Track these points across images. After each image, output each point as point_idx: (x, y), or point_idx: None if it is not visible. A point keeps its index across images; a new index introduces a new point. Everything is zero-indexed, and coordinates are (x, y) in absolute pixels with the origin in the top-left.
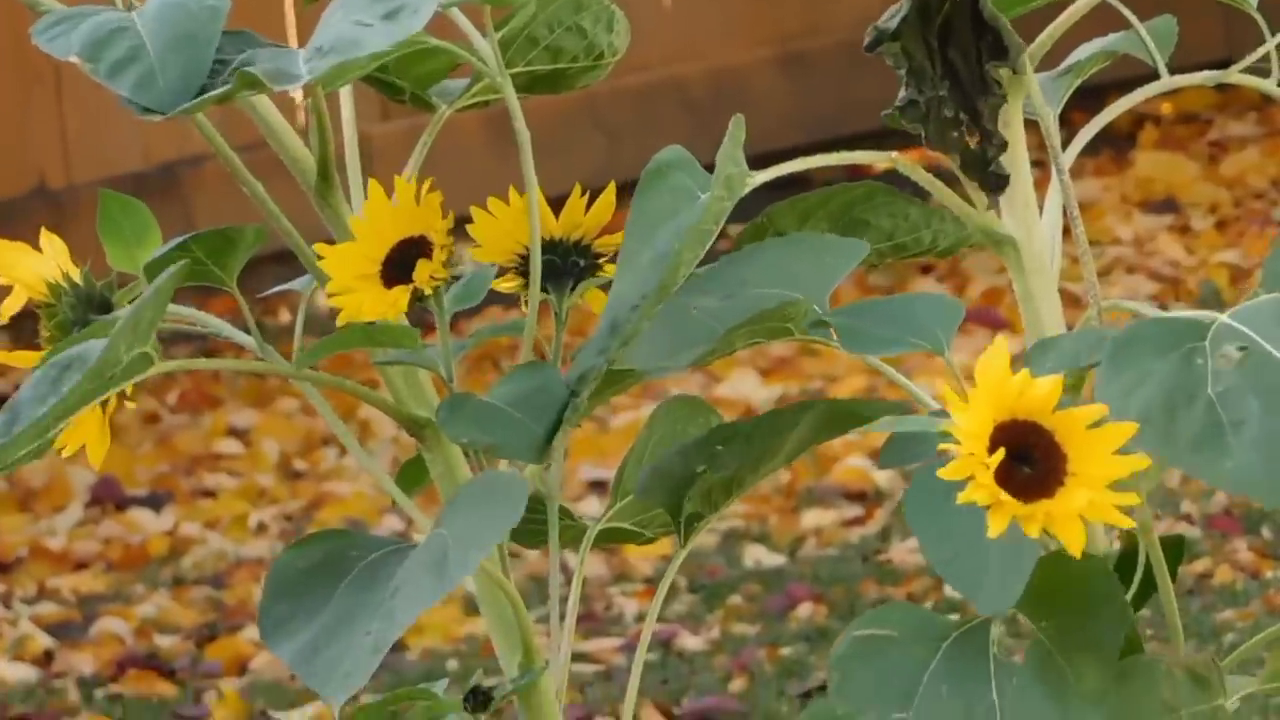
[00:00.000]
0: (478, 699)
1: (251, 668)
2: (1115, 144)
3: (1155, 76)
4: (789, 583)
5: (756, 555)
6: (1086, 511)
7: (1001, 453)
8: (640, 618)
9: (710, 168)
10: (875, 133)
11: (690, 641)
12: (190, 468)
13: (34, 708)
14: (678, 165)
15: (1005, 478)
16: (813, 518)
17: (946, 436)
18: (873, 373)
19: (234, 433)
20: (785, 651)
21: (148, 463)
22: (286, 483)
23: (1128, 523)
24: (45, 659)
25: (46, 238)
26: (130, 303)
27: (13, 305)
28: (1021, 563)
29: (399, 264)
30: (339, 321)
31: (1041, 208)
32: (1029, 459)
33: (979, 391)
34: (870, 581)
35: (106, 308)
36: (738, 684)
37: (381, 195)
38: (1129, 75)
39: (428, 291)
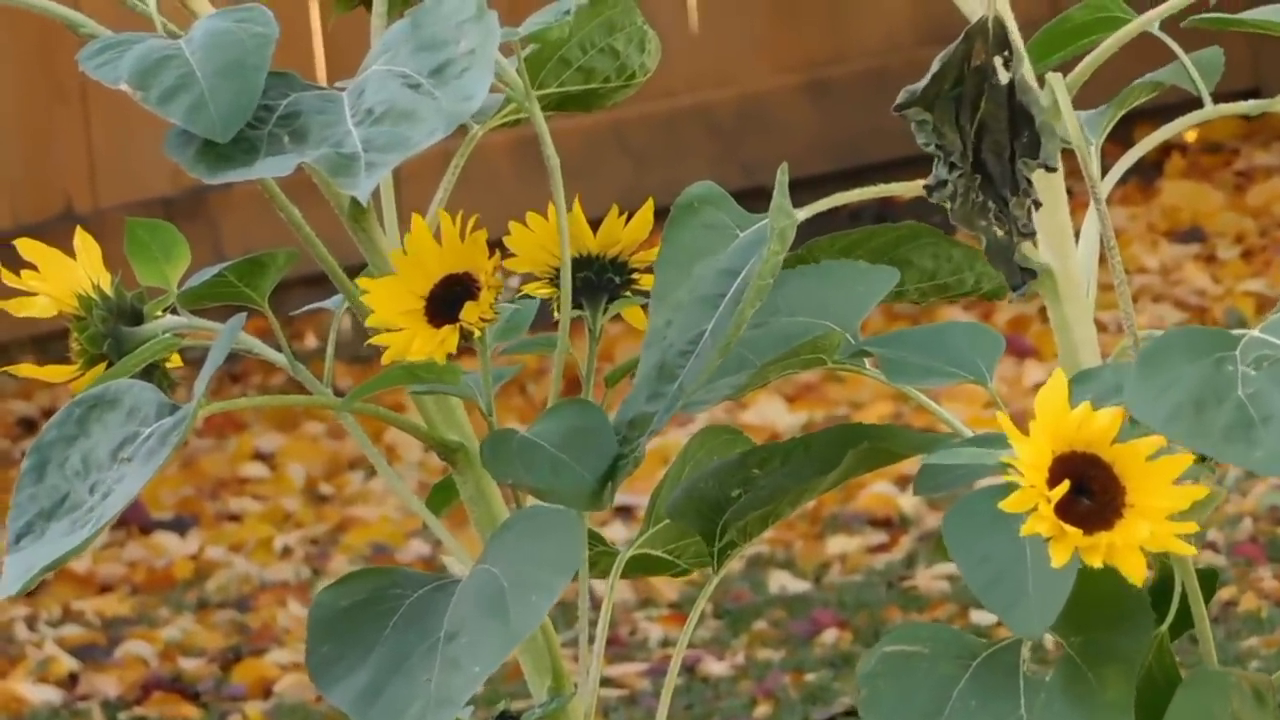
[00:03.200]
0: None
1: (276, 691)
2: (1142, 173)
3: (1183, 104)
4: (814, 608)
5: (782, 581)
6: (1149, 542)
7: (1065, 485)
8: (665, 643)
9: (738, 195)
10: (902, 160)
11: (715, 667)
12: (215, 491)
13: None
14: (709, 200)
15: (1065, 509)
16: (838, 544)
17: (988, 466)
18: (899, 399)
19: (259, 456)
20: (810, 677)
21: (173, 486)
22: (312, 506)
23: (1189, 550)
24: (70, 681)
25: (81, 239)
26: (161, 314)
27: (43, 312)
28: (1058, 586)
29: (443, 300)
30: (384, 360)
31: (1075, 236)
32: (1087, 490)
33: (1039, 424)
34: (895, 608)
35: (138, 319)
36: (762, 709)
37: (425, 229)
38: (1157, 104)
39: (477, 334)
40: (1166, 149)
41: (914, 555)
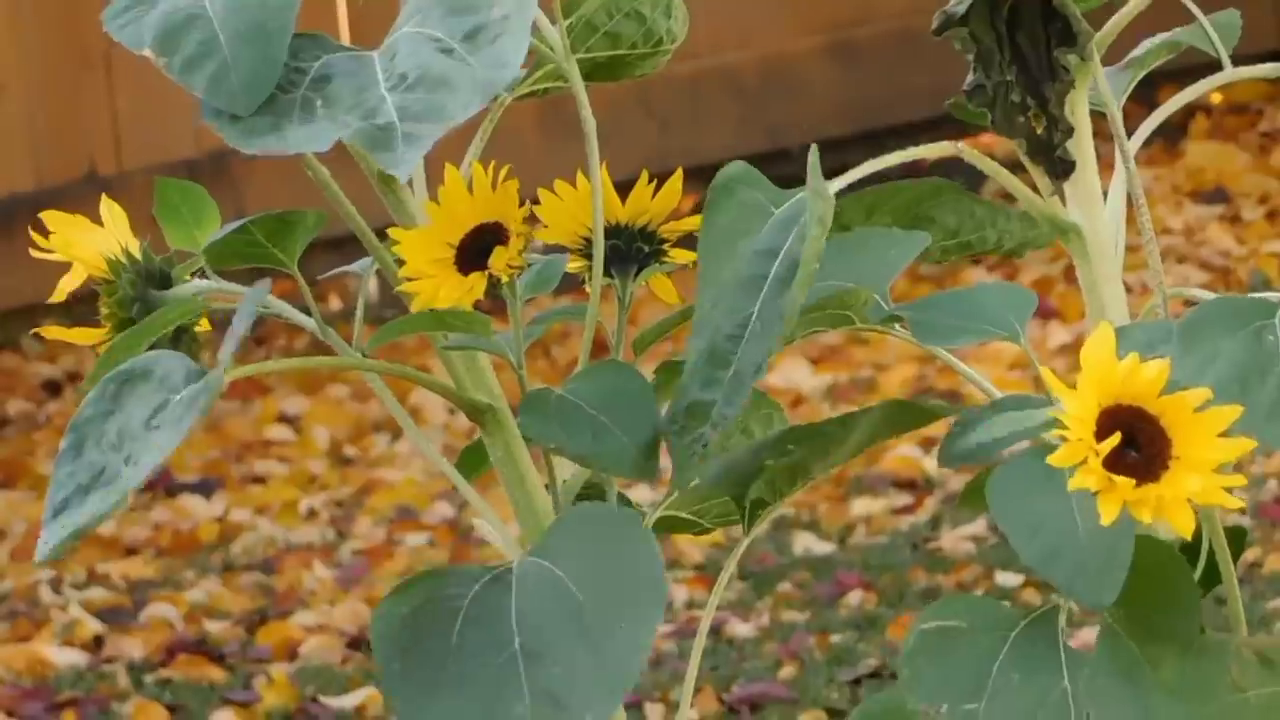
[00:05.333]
0: None
1: (301, 653)
2: (1166, 134)
3: (1207, 66)
4: (838, 570)
5: (806, 543)
6: (1198, 496)
7: (1116, 438)
8: (691, 604)
9: (763, 158)
10: (927, 121)
11: (740, 628)
12: (240, 454)
13: (84, 692)
14: (744, 180)
15: (1112, 462)
16: (862, 505)
17: (1023, 432)
18: (924, 360)
19: (284, 419)
20: (835, 638)
21: (198, 449)
22: (337, 469)
23: (1238, 504)
24: (95, 644)
25: (107, 206)
26: (189, 279)
27: (71, 283)
28: (1119, 552)
29: (474, 250)
30: (413, 307)
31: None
32: (1134, 443)
33: (1086, 376)
34: (919, 569)
35: (166, 283)
36: (788, 670)
37: (458, 180)
38: (1181, 65)
39: (505, 279)
40: (1191, 110)
41: (939, 517)
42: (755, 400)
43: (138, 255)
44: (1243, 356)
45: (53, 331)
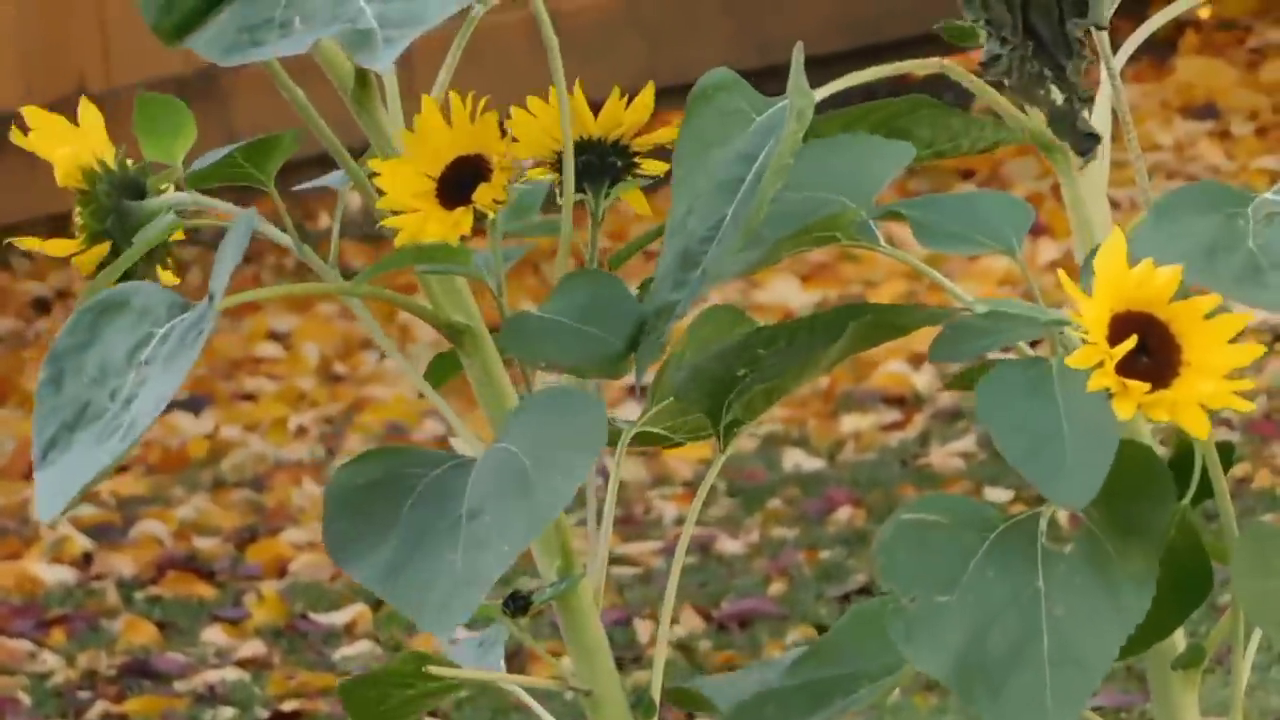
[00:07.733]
0: (517, 604)
1: (291, 570)
2: (1155, 50)
3: None
4: (828, 487)
5: (795, 459)
6: (1209, 400)
7: (1132, 341)
8: (679, 521)
9: (753, 74)
10: (916, 38)
11: (729, 545)
12: (230, 371)
13: (73, 609)
14: (725, 86)
15: (1124, 367)
16: (852, 422)
17: (1009, 335)
18: (912, 278)
19: (274, 336)
20: (824, 555)
21: None
22: (326, 386)
23: (1248, 406)
24: (84, 561)
25: (87, 110)
26: (163, 190)
27: (62, 180)
28: (1100, 455)
29: (455, 183)
30: (398, 242)
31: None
32: (1144, 349)
33: (1100, 281)
34: (909, 485)
35: (141, 194)
36: (777, 587)
37: (434, 109)
38: None
39: (491, 215)
40: (1180, 26)
41: (928, 433)
42: (733, 316)
43: (113, 165)
44: (1213, 234)
45: (29, 243)
